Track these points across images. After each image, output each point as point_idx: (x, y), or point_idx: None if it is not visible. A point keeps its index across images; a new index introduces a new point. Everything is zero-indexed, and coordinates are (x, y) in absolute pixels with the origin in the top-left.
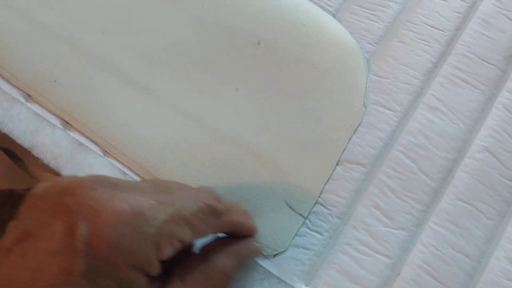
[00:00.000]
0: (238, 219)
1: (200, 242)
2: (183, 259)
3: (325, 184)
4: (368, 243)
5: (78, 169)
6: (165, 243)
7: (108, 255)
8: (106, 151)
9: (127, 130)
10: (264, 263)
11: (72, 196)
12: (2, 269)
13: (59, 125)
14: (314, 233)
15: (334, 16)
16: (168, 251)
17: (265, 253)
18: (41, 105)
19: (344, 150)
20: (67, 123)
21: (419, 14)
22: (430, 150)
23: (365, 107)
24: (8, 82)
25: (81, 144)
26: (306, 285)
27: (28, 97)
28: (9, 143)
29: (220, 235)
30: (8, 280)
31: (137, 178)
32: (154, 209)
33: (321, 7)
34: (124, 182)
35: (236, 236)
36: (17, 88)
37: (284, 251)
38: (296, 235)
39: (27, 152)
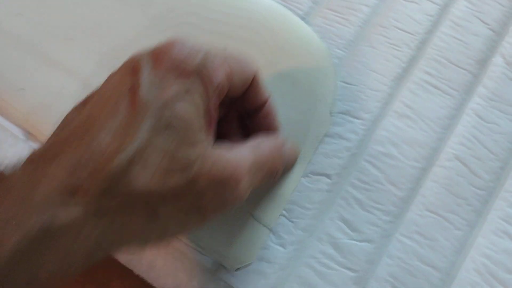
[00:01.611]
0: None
1: None
2: None
3: (290, 195)
4: (333, 256)
5: None
6: (215, 64)
7: (167, 65)
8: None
9: None
10: (227, 277)
11: (134, 56)
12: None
13: (21, 136)
14: (278, 246)
15: (304, 19)
16: (219, 75)
17: (229, 265)
18: (4, 115)
19: (310, 161)
20: (30, 133)
21: (390, 17)
22: (399, 159)
23: (332, 116)
24: None
25: None
26: None
27: None
28: None
29: None
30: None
31: None
32: (201, 44)
33: (291, 10)
34: None
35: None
36: None
37: (249, 264)
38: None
39: None
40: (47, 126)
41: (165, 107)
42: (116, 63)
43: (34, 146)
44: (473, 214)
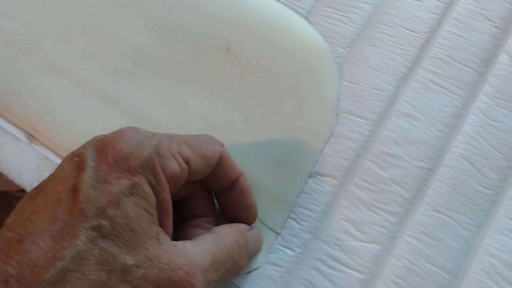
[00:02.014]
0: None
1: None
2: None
3: (297, 198)
4: (340, 259)
5: None
6: (167, 153)
7: (111, 162)
8: None
9: None
10: (238, 280)
11: (82, 147)
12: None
13: (23, 139)
14: (285, 249)
15: (306, 18)
16: (172, 164)
17: None
18: (5, 118)
19: (316, 162)
20: (32, 136)
21: (392, 15)
22: (404, 159)
23: (337, 116)
24: None
25: (46, 158)
26: None
27: None
28: None
29: None
30: (15, 217)
31: None
32: (152, 132)
33: (293, 9)
34: None
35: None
36: None
37: (257, 268)
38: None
39: None
40: (47, 130)
41: (106, 209)
42: (113, 63)
43: (37, 148)
44: (480, 214)
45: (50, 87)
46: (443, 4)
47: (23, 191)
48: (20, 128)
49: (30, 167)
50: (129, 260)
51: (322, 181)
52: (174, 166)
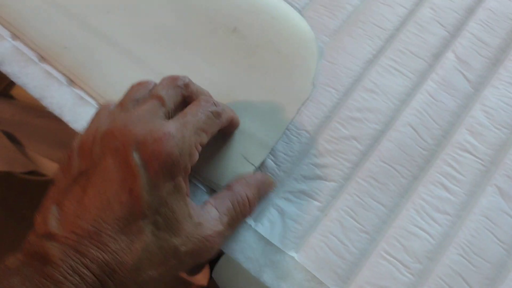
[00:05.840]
0: (231, 114)
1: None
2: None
3: (276, 143)
4: (305, 191)
5: (78, 118)
6: (194, 151)
7: (159, 171)
8: (101, 105)
9: (120, 91)
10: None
11: (114, 138)
12: (68, 199)
13: (65, 82)
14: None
15: (300, 12)
16: (196, 156)
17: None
18: (51, 66)
19: (293, 119)
20: (72, 81)
21: (367, 15)
22: (363, 122)
23: (314, 86)
24: (27, 45)
25: (82, 98)
26: (252, 221)
27: (42, 58)
28: (10, 126)
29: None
30: (80, 208)
31: None
32: (180, 130)
33: (289, 4)
34: (141, 116)
35: (229, 131)
36: (33, 50)
37: None
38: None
39: (27, 136)
40: (85, 77)
41: (159, 209)
42: (143, 33)
43: (75, 90)
44: (417, 168)
45: (92, 45)
46: (407, 10)
47: (28, 173)
48: (63, 74)
49: (69, 104)
50: (176, 242)
51: (298, 133)
52: (196, 157)
